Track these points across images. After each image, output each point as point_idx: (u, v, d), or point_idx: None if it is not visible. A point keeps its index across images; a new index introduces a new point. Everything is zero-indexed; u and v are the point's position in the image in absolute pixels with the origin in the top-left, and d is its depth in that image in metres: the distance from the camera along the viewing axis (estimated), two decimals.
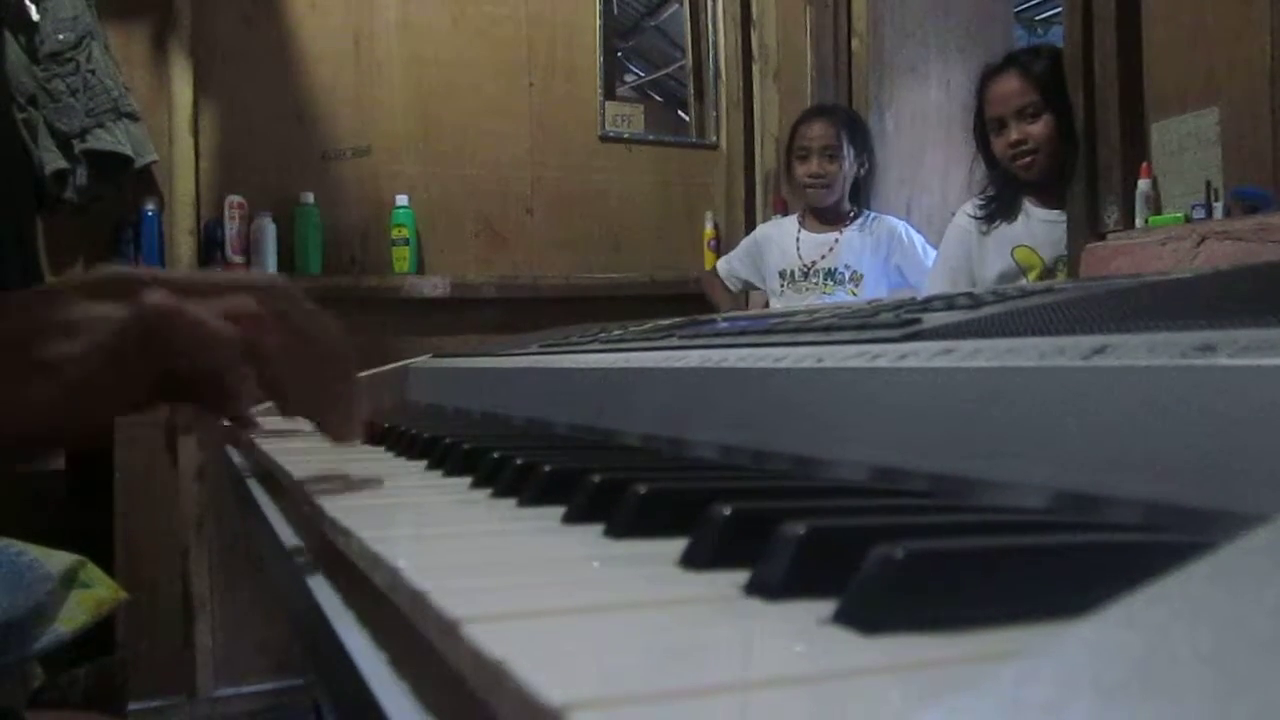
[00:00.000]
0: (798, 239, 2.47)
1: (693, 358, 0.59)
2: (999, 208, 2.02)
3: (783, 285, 2.47)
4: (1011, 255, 2.00)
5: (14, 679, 1.21)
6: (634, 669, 0.21)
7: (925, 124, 2.68)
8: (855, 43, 2.65)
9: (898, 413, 0.41)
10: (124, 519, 2.39)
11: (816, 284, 2.42)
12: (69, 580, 1.33)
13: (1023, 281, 1.97)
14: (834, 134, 2.39)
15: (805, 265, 2.44)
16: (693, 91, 3.18)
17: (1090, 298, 0.53)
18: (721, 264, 2.68)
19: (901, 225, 2.46)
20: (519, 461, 0.49)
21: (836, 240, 2.42)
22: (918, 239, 2.43)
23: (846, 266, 2.41)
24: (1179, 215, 1.58)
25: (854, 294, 2.39)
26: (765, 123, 2.92)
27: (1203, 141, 1.58)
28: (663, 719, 0.18)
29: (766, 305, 2.49)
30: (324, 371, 0.55)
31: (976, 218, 2.06)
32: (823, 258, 2.43)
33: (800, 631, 0.23)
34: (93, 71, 2.29)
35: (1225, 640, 0.13)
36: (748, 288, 2.63)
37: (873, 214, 2.46)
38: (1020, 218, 2.00)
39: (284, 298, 0.54)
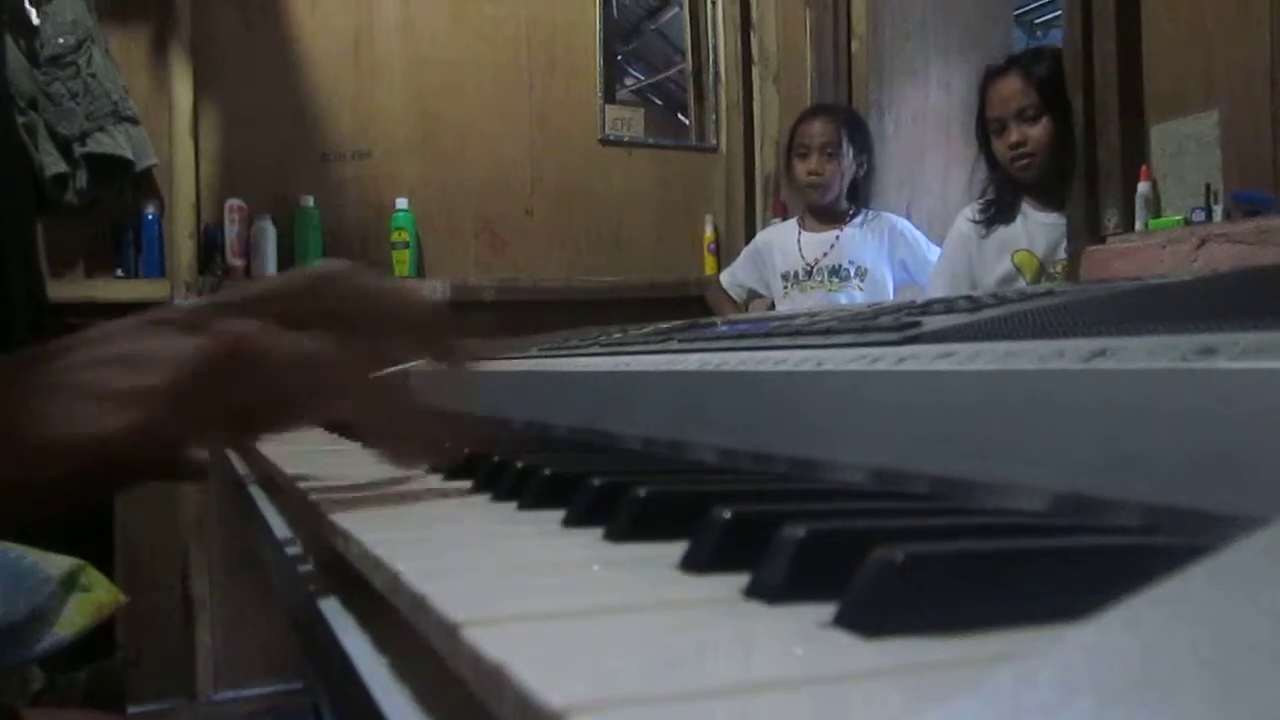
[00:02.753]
0: (799, 240, 2.48)
1: (692, 361, 0.59)
2: (998, 210, 2.03)
3: (787, 287, 2.47)
4: (1011, 259, 2.01)
5: (13, 682, 1.21)
6: (634, 672, 0.21)
7: (925, 126, 2.68)
8: (855, 45, 2.66)
9: (897, 416, 0.41)
10: (124, 521, 2.39)
11: (821, 282, 2.43)
12: (69, 583, 1.33)
13: (1020, 283, 1.97)
14: (834, 132, 2.39)
15: (808, 265, 2.44)
16: (692, 94, 3.18)
17: (1090, 301, 0.53)
18: (724, 276, 2.69)
19: (902, 221, 2.47)
20: (519, 465, 0.48)
21: (837, 238, 2.43)
22: (920, 234, 2.44)
23: (850, 262, 2.41)
24: (1179, 218, 1.58)
25: (860, 289, 2.39)
26: (765, 125, 2.92)
27: (1202, 144, 1.58)
28: None
29: (772, 309, 2.49)
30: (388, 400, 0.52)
31: (976, 221, 2.06)
32: (825, 255, 2.43)
33: (800, 634, 0.23)
34: (93, 75, 2.29)
35: (1224, 643, 0.13)
36: (752, 296, 2.63)
37: (871, 211, 2.46)
38: (1019, 220, 2.01)
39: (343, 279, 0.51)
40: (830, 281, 2.42)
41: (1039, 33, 5.41)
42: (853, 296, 2.37)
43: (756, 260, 2.59)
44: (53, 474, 0.44)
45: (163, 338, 0.46)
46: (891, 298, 2.35)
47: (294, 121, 2.67)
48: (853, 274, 2.41)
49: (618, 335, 1.07)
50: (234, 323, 0.46)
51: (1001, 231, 2.03)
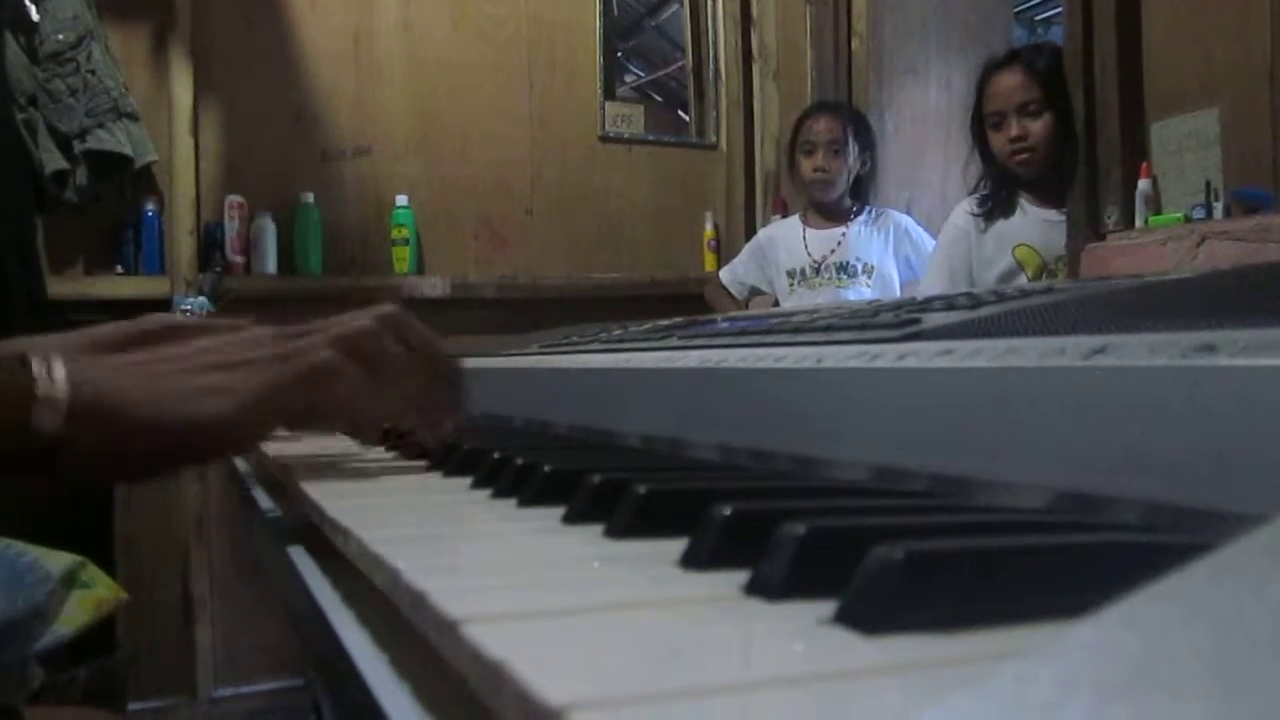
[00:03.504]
0: (804, 237, 2.47)
1: (692, 358, 0.59)
2: (996, 205, 2.02)
3: (793, 284, 2.47)
4: (1012, 254, 2.00)
5: (14, 679, 1.21)
6: (634, 669, 0.21)
7: (925, 124, 2.68)
8: (855, 43, 2.65)
9: (897, 413, 0.41)
10: (124, 519, 2.39)
11: (829, 279, 2.42)
12: (69, 580, 1.33)
13: (1021, 280, 1.97)
14: (840, 129, 2.39)
15: (815, 262, 2.44)
16: (693, 92, 3.18)
17: (1090, 298, 0.53)
18: (725, 273, 2.67)
19: (906, 218, 2.47)
20: (519, 462, 0.49)
21: (844, 234, 2.43)
22: (924, 231, 2.44)
23: (858, 259, 2.41)
24: (1179, 215, 1.58)
25: (868, 286, 2.39)
26: (765, 123, 2.92)
27: (1203, 141, 1.58)
28: (663, 719, 0.18)
29: (775, 306, 2.49)
30: (435, 383, 0.65)
31: (975, 214, 2.05)
32: (832, 252, 2.43)
33: (800, 632, 0.23)
34: (93, 71, 2.29)
35: (1224, 640, 0.13)
36: (754, 293, 2.62)
37: (876, 208, 2.46)
38: (1019, 215, 2.00)
39: (398, 324, 0.62)
40: (839, 278, 2.42)
41: (1039, 29, 5.41)
42: (861, 293, 2.37)
43: (759, 257, 2.58)
44: (151, 446, 0.52)
45: (256, 347, 0.56)
46: (899, 294, 2.34)
47: (294, 119, 2.67)
48: (860, 270, 2.41)
49: (618, 332, 1.07)
50: (316, 350, 0.57)
51: (1001, 226, 2.02)
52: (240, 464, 0.88)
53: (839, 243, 2.42)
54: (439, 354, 0.65)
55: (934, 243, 2.37)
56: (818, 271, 2.44)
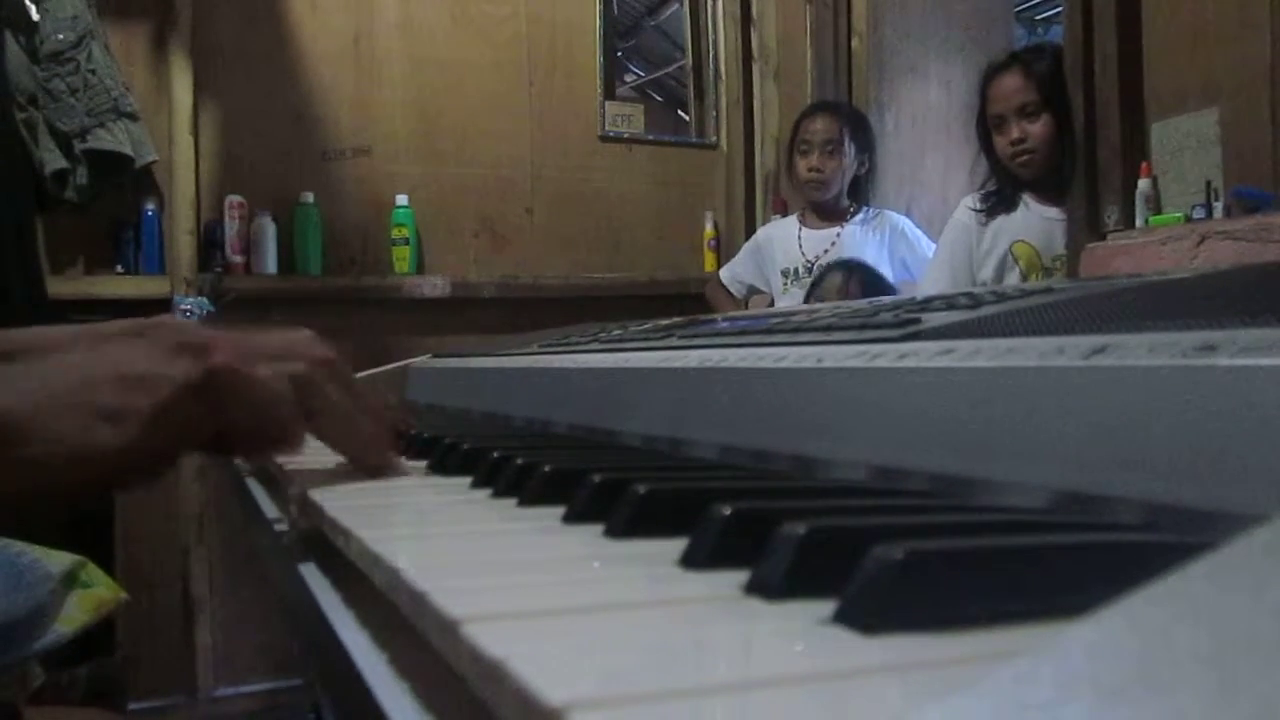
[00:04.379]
0: (799, 237, 2.47)
1: (693, 358, 0.59)
2: (999, 202, 2.03)
3: (786, 284, 2.47)
4: (1009, 248, 2.01)
5: (14, 679, 1.21)
6: (634, 669, 0.21)
7: (925, 124, 2.68)
8: (855, 42, 2.65)
9: (897, 412, 0.41)
10: (124, 519, 2.39)
11: None
12: (69, 580, 1.33)
13: (1015, 273, 1.98)
14: (836, 129, 2.39)
15: (809, 261, 2.44)
16: (693, 91, 3.18)
17: (1090, 297, 0.53)
18: (724, 272, 2.68)
19: (903, 219, 2.47)
20: (519, 461, 0.49)
21: (839, 235, 2.43)
22: (920, 233, 2.44)
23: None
24: (1179, 215, 1.58)
25: None
26: (765, 122, 2.92)
27: (1203, 141, 1.58)
28: (663, 719, 0.18)
29: (771, 306, 2.49)
30: (362, 426, 0.58)
31: (977, 210, 2.06)
32: (826, 252, 2.43)
33: (800, 631, 0.23)
34: (93, 71, 2.29)
35: (1224, 640, 0.13)
36: (752, 292, 2.63)
37: (873, 209, 2.46)
38: (1020, 211, 2.01)
39: (328, 365, 0.57)
40: None
41: (1040, 29, 5.41)
42: None
43: (757, 256, 2.58)
44: (44, 484, 0.47)
45: (152, 358, 0.50)
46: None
47: (294, 119, 2.67)
48: None
49: (618, 332, 1.07)
50: (218, 353, 0.51)
51: (1002, 221, 2.02)
52: (239, 463, 0.88)
53: (833, 243, 2.43)
54: (375, 404, 0.60)
55: (931, 244, 2.38)
56: (811, 271, 2.44)
